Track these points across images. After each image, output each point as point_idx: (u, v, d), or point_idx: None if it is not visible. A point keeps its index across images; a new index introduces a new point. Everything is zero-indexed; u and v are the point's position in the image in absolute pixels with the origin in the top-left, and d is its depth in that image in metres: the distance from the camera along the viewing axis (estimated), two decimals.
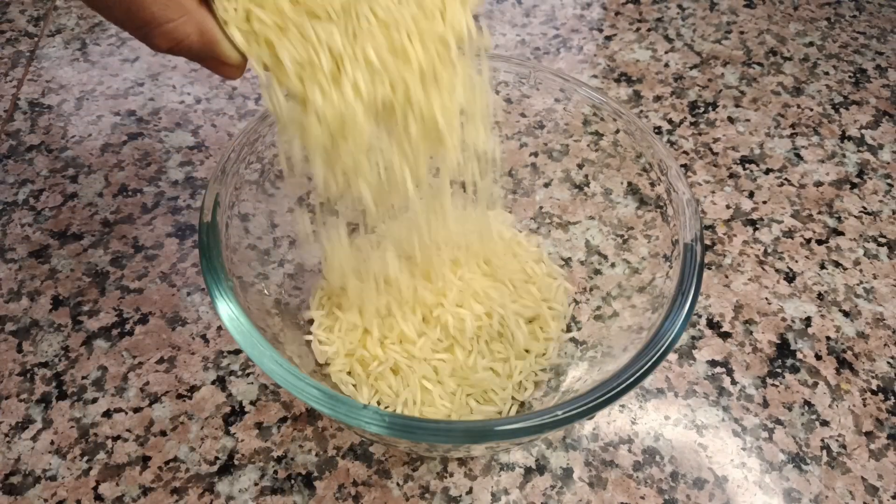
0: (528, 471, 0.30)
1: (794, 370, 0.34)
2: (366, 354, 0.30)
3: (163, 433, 0.31)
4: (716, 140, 0.44)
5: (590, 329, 0.32)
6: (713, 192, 0.41)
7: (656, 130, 0.45)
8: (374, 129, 0.24)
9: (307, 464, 0.30)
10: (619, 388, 0.22)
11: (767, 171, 0.43)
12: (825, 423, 0.32)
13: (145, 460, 0.30)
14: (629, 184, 0.32)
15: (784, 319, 0.36)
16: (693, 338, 0.35)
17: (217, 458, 0.30)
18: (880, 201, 0.41)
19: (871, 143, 0.45)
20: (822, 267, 0.38)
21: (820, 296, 0.37)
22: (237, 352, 0.33)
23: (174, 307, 0.35)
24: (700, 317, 0.36)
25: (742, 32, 0.52)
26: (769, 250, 0.39)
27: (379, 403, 0.30)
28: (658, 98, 0.47)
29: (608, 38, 0.51)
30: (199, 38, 0.22)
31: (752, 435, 0.32)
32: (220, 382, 0.32)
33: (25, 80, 0.46)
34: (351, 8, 0.23)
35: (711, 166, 0.43)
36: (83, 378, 0.32)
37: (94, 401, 0.32)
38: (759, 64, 0.50)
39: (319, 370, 0.31)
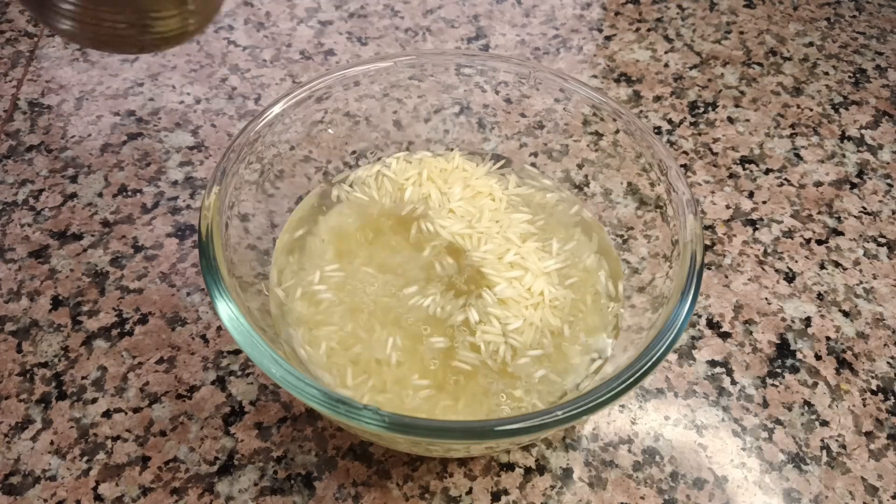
0: (528, 471, 0.30)
1: (794, 370, 0.34)
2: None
3: (162, 433, 0.31)
4: (715, 140, 0.44)
5: None
6: (713, 192, 0.41)
7: (656, 130, 0.45)
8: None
9: (307, 464, 0.30)
10: (619, 388, 0.22)
11: (767, 172, 0.43)
12: (825, 423, 0.32)
13: (145, 460, 0.30)
14: (629, 184, 0.32)
15: (784, 319, 0.36)
16: (693, 338, 0.35)
17: (217, 458, 0.30)
18: (880, 201, 0.41)
19: (870, 144, 0.45)
20: (822, 267, 0.38)
21: (820, 296, 0.37)
22: (237, 352, 0.33)
23: (174, 307, 0.35)
24: (700, 317, 0.36)
25: (742, 32, 0.52)
26: (769, 250, 0.39)
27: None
28: (658, 98, 0.47)
29: (608, 38, 0.51)
30: None
31: (751, 435, 0.32)
32: (220, 382, 0.32)
33: (25, 80, 0.46)
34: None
35: (711, 166, 0.43)
36: (83, 378, 0.32)
37: (94, 401, 0.32)
38: (759, 64, 0.50)
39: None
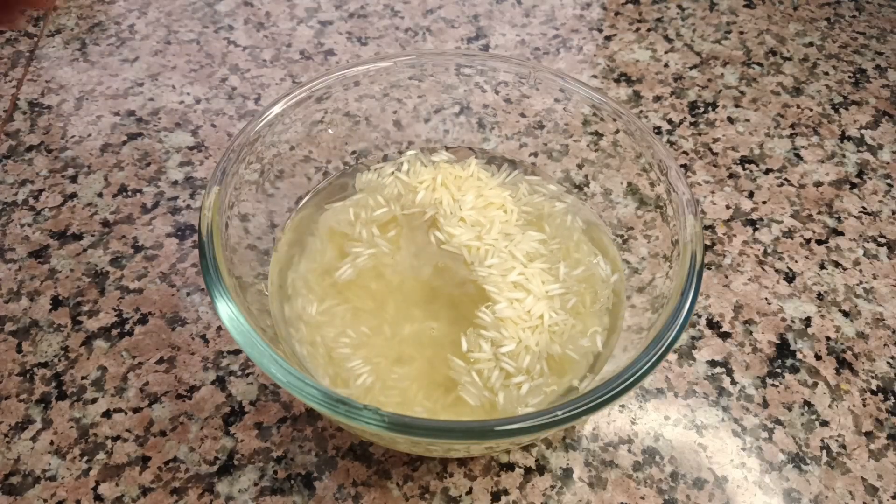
0: (528, 471, 0.30)
1: (794, 370, 0.34)
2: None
3: (162, 433, 0.31)
4: (715, 140, 0.44)
5: None
6: (713, 192, 0.41)
7: (656, 130, 0.45)
8: None
9: (307, 464, 0.30)
10: (619, 388, 0.22)
11: (767, 172, 0.43)
12: (825, 424, 0.32)
13: (145, 460, 0.30)
14: (629, 184, 0.32)
15: (784, 319, 0.36)
16: (693, 338, 0.35)
17: (217, 458, 0.30)
18: (880, 201, 0.41)
19: (870, 143, 0.45)
20: (822, 267, 0.38)
21: (820, 296, 0.37)
22: (237, 352, 0.33)
23: (174, 307, 0.35)
24: (700, 317, 0.36)
25: (742, 32, 0.52)
26: (769, 250, 0.39)
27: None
28: (658, 98, 0.47)
29: (608, 38, 0.51)
30: None
31: (751, 435, 0.32)
32: (220, 383, 0.32)
33: (25, 80, 0.46)
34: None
35: (711, 166, 0.43)
36: (83, 378, 0.32)
37: (94, 401, 0.32)
38: (759, 64, 0.50)
39: None
